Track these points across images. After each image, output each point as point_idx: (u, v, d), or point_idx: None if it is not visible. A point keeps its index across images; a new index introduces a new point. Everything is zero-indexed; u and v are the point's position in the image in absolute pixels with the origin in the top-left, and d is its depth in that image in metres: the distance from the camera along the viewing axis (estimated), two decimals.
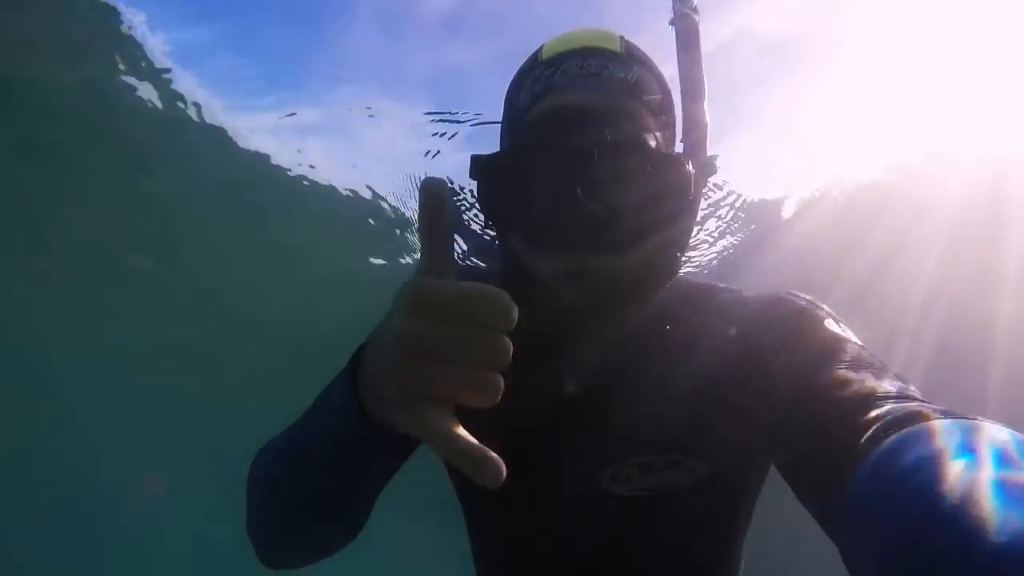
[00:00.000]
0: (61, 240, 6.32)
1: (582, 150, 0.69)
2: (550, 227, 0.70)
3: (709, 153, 0.82)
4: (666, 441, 0.79)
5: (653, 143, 0.74)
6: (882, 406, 0.57)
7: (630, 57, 0.77)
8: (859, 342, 0.72)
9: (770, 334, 0.76)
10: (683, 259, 0.78)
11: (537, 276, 0.74)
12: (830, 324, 0.74)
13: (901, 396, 0.59)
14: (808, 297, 0.81)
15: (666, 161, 0.72)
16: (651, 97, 0.76)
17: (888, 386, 0.61)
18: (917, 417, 0.52)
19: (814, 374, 0.67)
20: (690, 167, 0.72)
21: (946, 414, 0.52)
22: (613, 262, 0.71)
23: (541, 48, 0.80)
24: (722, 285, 0.88)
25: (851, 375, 0.64)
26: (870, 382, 0.62)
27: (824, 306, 0.79)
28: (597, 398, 0.81)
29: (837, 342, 0.71)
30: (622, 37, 0.79)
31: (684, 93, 0.84)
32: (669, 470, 0.80)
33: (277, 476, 0.74)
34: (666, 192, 0.72)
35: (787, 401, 0.69)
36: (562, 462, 0.83)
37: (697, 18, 0.88)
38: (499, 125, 0.87)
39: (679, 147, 0.83)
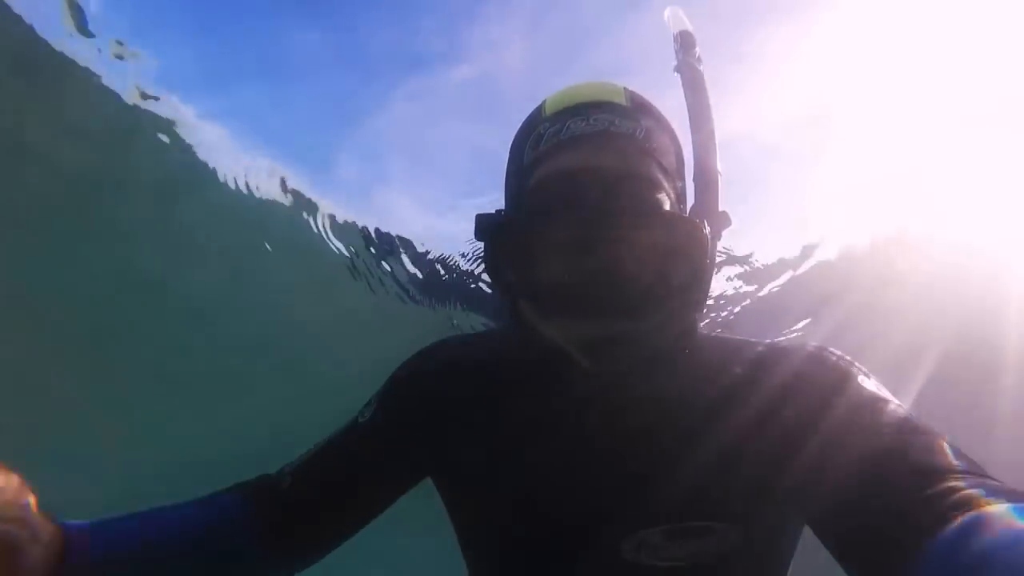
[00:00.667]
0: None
1: (594, 216, 0.66)
2: (563, 295, 0.68)
3: (722, 197, 0.79)
4: (697, 506, 0.74)
5: (667, 203, 0.71)
6: (948, 481, 0.54)
7: (637, 110, 0.74)
8: (901, 403, 0.69)
9: (808, 394, 0.72)
10: (701, 318, 0.74)
11: (551, 342, 0.71)
12: (868, 384, 0.71)
13: (965, 471, 0.56)
14: (843, 355, 0.77)
15: (682, 225, 0.69)
16: (661, 152, 0.74)
17: (948, 458, 0.58)
18: (989, 497, 0.50)
19: (865, 441, 0.63)
20: (706, 228, 0.69)
21: (1020, 495, 0.50)
22: (630, 328, 0.68)
23: (544, 103, 0.78)
24: (748, 340, 0.84)
25: (906, 443, 0.61)
26: (929, 453, 0.59)
27: (858, 363, 0.76)
28: (619, 462, 0.76)
29: (883, 405, 0.67)
30: (626, 89, 0.77)
31: (695, 143, 0.82)
32: (700, 538, 0.74)
33: None
34: (682, 256, 0.69)
35: (836, 468, 0.65)
36: (581, 530, 0.78)
37: (701, 67, 0.86)
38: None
39: (690, 197, 0.80)
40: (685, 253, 0.69)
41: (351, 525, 0.86)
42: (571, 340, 0.70)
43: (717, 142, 0.82)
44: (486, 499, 0.82)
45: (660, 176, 0.72)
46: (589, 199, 0.68)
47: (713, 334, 0.84)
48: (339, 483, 0.83)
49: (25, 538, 0.54)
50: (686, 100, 0.85)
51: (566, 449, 0.77)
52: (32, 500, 0.56)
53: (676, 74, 0.89)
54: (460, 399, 0.84)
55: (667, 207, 0.71)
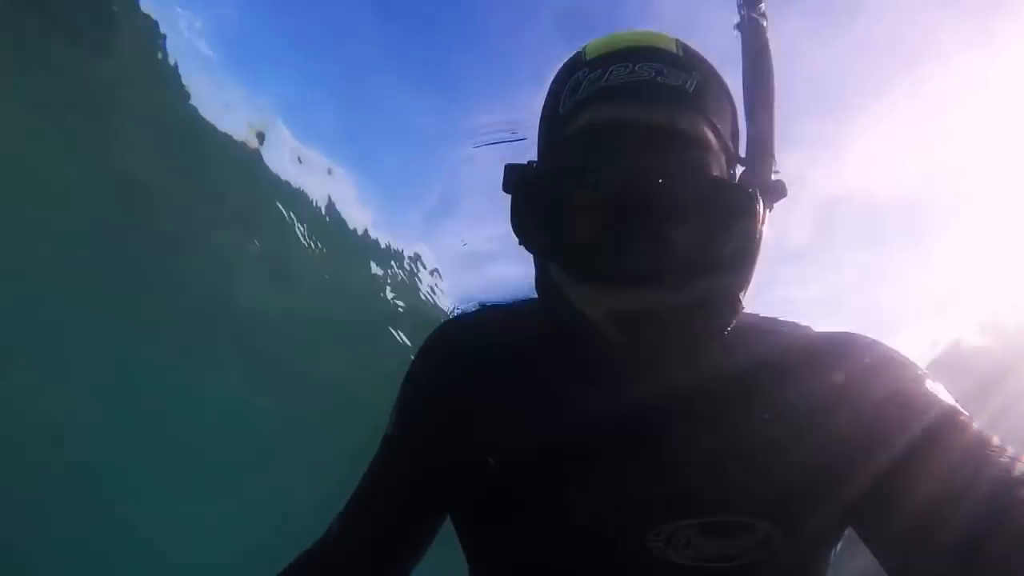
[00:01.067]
0: None
1: (634, 174, 0.60)
2: (599, 259, 0.62)
3: (775, 170, 0.72)
4: (737, 499, 0.67)
5: (716, 167, 0.64)
6: None
7: (688, 60, 0.66)
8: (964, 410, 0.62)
9: (871, 392, 0.65)
10: (745, 299, 0.67)
11: (581, 312, 0.65)
12: (938, 390, 0.65)
13: None
14: (892, 347, 0.69)
15: (732, 191, 0.63)
16: (713, 110, 0.66)
17: None
18: None
19: (951, 461, 0.58)
20: (759, 198, 0.62)
21: None
22: (667, 301, 0.62)
23: (584, 48, 0.70)
24: (794, 323, 0.77)
25: (1006, 476, 0.55)
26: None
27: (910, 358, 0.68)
28: (649, 446, 0.70)
29: (962, 420, 0.61)
30: (678, 39, 0.69)
31: (750, 106, 0.74)
32: (737, 536, 0.67)
33: None
34: (730, 227, 0.62)
35: (913, 484, 0.59)
36: (606, 519, 0.71)
37: (765, 23, 0.78)
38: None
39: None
40: (734, 223, 0.62)
41: (408, 552, 0.87)
42: (603, 313, 0.63)
43: (775, 108, 0.74)
44: (503, 486, 0.76)
45: (711, 136, 0.64)
46: (629, 155, 0.61)
47: (753, 315, 0.77)
48: (384, 512, 0.84)
49: None
50: (744, 59, 0.77)
51: (593, 429, 0.71)
52: None
53: (736, 32, 0.81)
54: (477, 386, 0.79)
55: (716, 172, 0.64)
